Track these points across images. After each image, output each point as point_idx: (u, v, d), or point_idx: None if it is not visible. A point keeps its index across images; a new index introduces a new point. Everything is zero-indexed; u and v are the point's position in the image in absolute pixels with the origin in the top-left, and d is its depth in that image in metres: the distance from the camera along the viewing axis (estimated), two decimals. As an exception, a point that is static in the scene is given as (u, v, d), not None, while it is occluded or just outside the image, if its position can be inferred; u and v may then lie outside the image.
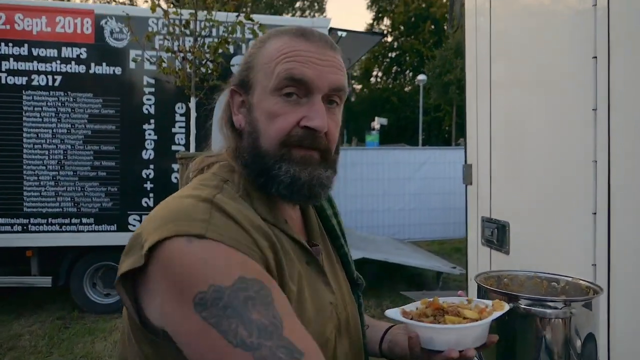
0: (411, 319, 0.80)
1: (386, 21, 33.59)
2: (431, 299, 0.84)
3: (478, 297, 0.91)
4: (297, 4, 34.68)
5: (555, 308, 0.84)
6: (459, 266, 5.59)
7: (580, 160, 1.48)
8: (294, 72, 0.72)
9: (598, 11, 1.40)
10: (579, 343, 0.84)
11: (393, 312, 0.81)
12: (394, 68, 33.46)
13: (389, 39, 32.16)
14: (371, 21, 33.44)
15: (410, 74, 32.51)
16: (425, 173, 8.61)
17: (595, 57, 1.40)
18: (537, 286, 1.02)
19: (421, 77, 19.31)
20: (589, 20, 1.42)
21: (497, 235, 2.05)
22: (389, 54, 33.16)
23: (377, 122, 17.93)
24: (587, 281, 0.95)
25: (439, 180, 8.61)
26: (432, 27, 30.84)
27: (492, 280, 1.02)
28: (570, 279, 0.98)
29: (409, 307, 0.84)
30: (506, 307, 0.82)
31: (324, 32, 0.79)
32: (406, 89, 32.14)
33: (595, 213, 1.42)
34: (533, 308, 0.85)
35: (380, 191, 8.50)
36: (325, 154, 0.76)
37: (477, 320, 0.77)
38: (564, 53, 1.56)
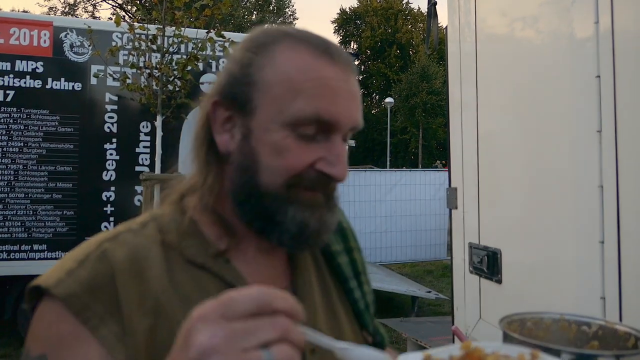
0: None
1: (353, 45, 34.26)
2: (474, 345, 0.56)
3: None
4: (265, 27, 34.98)
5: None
6: (433, 290, 5.50)
7: (584, 186, 1.39)
8: (323, 114, 0.59)
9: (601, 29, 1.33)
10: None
11: (410, 359, 0.55)
12: (361, 91, 33.93)
13: (356, 62, 32.78)
14: (338, 45, 33.94)
15: (377, 97, 33.12)
16: (396, 195, 8.58)
17: (599, 77, 1.33)
18: (564, 331, 0.89)
19: (389, 99, 19.66)
20: (591, 38, 1.35)
21: (487, 263, 1.94)
22: (356, 77, 33.70)
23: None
24: (626, 325, 0.83)
25: (410, 202, 8.60)
26: (398, 52, 31.69)
27: (515, 325, 0.88)
28: (603, 323, 0.85)
29: (438, 353, 0.56)
30: None
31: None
32: (373, 112, 32.66)
33: (602, 242, 1.33)
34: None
35: (352, 214, 8.38)
36: (331, 193, 0.64)
37: None
38: (564, 74, 1.49)
